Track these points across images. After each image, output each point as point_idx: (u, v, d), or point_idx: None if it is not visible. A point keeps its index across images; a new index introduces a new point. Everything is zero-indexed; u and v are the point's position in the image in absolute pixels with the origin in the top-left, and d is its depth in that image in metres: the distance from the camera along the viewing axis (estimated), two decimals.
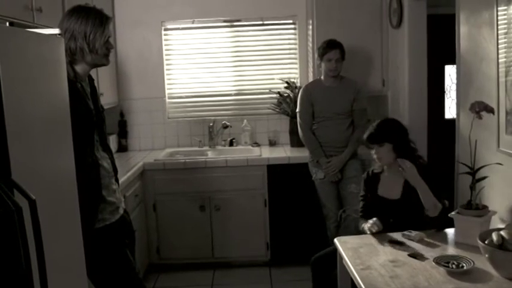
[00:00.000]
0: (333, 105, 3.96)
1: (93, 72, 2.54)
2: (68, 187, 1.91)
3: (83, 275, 2.03)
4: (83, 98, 2.37)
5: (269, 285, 4.06)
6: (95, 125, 2.43)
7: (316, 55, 4.16)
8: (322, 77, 4.06)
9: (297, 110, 4.11)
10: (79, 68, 2.37)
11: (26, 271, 1.37)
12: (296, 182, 4.21)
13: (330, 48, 3.91)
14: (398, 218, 2.79)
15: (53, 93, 1.82)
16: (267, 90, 4.89)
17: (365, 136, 2.93)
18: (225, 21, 4.86)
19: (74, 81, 2.29)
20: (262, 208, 4.31)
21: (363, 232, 2.78)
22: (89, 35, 2.31)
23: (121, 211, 2.55)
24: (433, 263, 2.17)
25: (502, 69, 2.56)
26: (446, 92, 5.05)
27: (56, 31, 2.27)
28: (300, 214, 4.26)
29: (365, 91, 4.33)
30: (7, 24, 2.45)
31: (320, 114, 4.01)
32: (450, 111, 4.99)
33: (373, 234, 2.66)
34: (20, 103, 1.51)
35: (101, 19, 2.35)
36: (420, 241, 2.50)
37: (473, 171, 2.44)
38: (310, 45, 4.54)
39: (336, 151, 3.97)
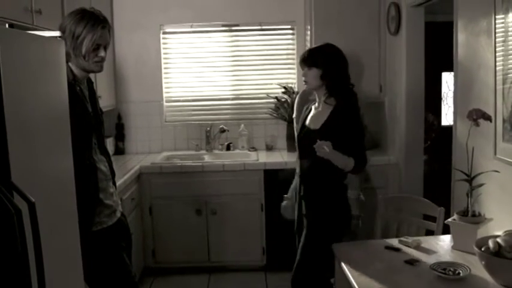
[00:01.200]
0: None
1: (91, 75, 2.52)
2: (66, 190, 1.91)
3: (80, 278, 2.03)
4: (81, 101, 2.36)
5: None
6: (93, 128, 2.42)
7: None
8: None
9: (294, 115, 4.11)
10: (77, 71, 2.36)
11: (24, 273, 1.37)
12: None
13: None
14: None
15: (53, 96, 1.82)
16: (265, 95, 4.90)
17: (300, 57, 2.97)
18: (223, 25, 4.87)
19: (72, 84, 2.27)
20: (258, 213, 4.31)
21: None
22: (76, 37, 2.27)
23: (118, 214, 2.55)
24: (430, 270, 2.17)
25: (499, 77, 2.57)
26: (443, 99, 5.06)
27: (57, 33, 2.26)
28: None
29: (362, 97, 4.34)
30: (6, 25, 2.45)
31: None
32: (447, 118, 5.00)
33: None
34: (20, 105, 1.51)
35: (93, 23, 2.29)
36: (417, 247, 2.51)
37: (469, 178, 2.45)
38: None
39: None
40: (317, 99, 2.98)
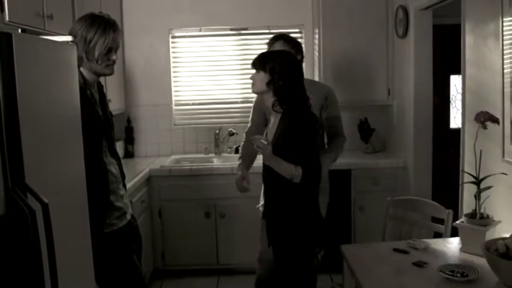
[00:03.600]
0: None
1: (101, 78, 2.55)
2: (78, 191, 1.94)
3: (91, 279, 2.05)
4: (92, 105, 2.39)
5: None
6: (103, 131, 2.45)
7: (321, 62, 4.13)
8: None
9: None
10: (88, 74, 2.39)
11: (38, 273, 1.40)
12: None
13: (271, 42, 3.46)
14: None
15: (66, 100, 1.85)
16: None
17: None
18: (232, 29, 4.90)
19: (83, 87, 2.29)
20: None
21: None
22: (88, 42, 2.31)
23: (128, 216, 2.57)
24: (438, 272, 2.18)
25: (507, 80, 2.58)
26: (452, 101, 5.06)
27: (69, 38, 2.30)
28: None
29: (370, 100, 4.36)
30: (19, 30, 2.49)
31: None
32: (455, 121, 5.00)
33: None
34: (34, 108, 1.54)
35: (104, 28, 2.32)
36: (425, 250, 2.51)
37: (478, 181, 2.46)
38: (317, 54, 4.57)
39: None
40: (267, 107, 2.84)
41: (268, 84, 2.71)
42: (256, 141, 2.68)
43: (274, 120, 2.81)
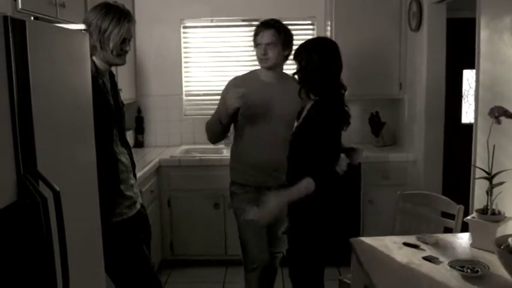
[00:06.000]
0: (271, 107, 2.98)
1: (112, 68, 2.55)
2: (89, 180, 1.95)
3: (101, 267, 2.07)
4: (103, 94, 2.39)
5: (281, 284, 4.07)
6: (114, 120, 2.45)
7: None
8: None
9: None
10: (101, 64, 2.39)
11: (49, 260, 1.40)
12: None
13: (262, 28, 3.17)
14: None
15: (78, 88, 1.85)
16: None
17: None
18: (243, 20, 4.88)
19: (95, 76, 2.30)
20: None
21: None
22: (103, 32, 2.30)
23: (138, 206, 2.58)
24: (448, 267, 2.17)
25: None
26: (464, 96, 5.02)
27: (82, 26, 2.29)
28: None
29: (381, 94, 4.32)
30: (31, 18, 2.49)
31: (249, 117, 3.08)
32: (467, 115, 4.96)
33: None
34: (46, 97, 1.55)
35: (119, 18, 2.32)
36: (435, 245, 2.50)
37: (490, 176, 2.43)
38: None
39: (267, 178, 3.12)
40: None
41: (294, 74, 2.73)
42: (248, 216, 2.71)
43: (305, 108, 2.78)
